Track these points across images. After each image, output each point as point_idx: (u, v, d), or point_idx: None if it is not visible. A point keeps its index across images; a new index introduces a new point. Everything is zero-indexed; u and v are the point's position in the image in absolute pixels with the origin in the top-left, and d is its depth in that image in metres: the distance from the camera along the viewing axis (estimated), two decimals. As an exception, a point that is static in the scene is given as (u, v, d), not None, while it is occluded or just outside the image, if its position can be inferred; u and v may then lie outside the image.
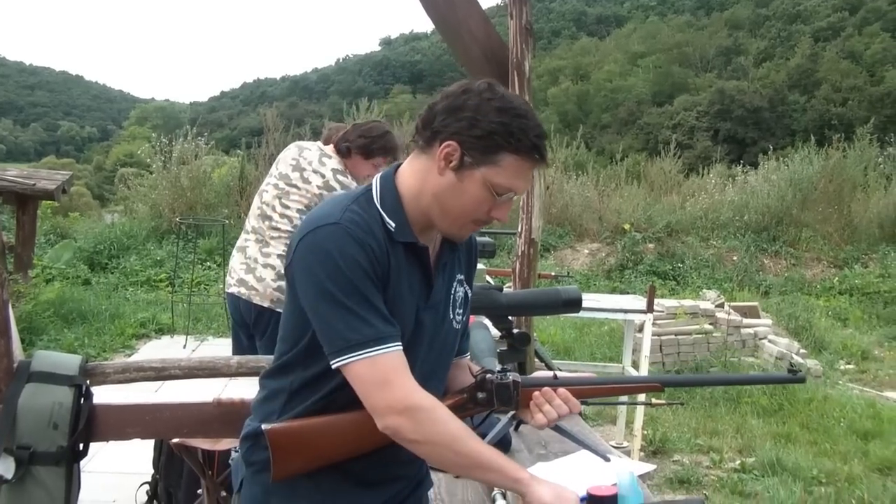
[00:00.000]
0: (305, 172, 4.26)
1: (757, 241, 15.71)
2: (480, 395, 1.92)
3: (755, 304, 11.25)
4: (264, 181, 4.50)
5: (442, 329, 1.96)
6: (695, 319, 9.32)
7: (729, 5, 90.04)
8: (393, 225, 1.83)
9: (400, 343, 1.75)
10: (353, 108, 16.50)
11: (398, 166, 1.94)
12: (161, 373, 3.52)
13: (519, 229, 4.13)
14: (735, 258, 15.16)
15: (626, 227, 15.20)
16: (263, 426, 1.83)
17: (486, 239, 4.34)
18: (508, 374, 1.95)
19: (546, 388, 1.92)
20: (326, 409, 1.87)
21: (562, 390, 1.93)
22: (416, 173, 1.87)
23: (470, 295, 2.09)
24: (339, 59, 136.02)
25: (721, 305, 10.22)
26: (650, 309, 6.46)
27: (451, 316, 2.00)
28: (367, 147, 4.31)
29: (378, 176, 1.93)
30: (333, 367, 1.73)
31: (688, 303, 10.00)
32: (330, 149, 4.35)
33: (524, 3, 4.01)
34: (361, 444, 1.84)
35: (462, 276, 2.05)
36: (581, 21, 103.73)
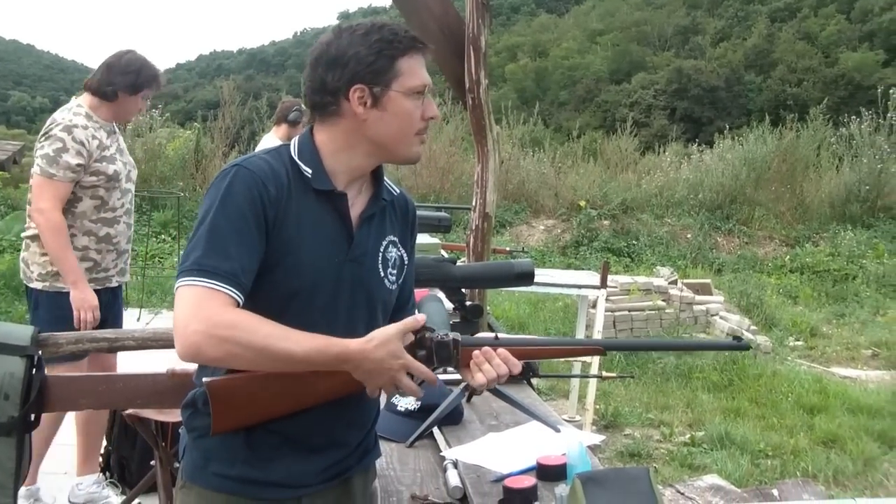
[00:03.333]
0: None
1: (711, 220, 15.86)
2: (420, 352, 1.86)
3: (708, 281, 11.36)
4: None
5: (369, 284, 1.94)
6: (648, 296, 9.41)
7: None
8: (310, 171, 1.87)
9: (237, 293, 1.71)
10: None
11: (311, 129, 1.97)
12: (114, 343, 3.52)
13: (473, 203, 4.15)
14: (689, 236, 15.29)
15: (582, 203, 15.27)
16: (204, 379, 1.82)
17: (442, 214, 4.35)
18: (449, 333, 1.91)
19: (486, 348, 1.90)
20: None
21: (501, 350, 1.90)
22: (334, 135, 1.91)
23: (406, 259, 2.09)
24: (296, 33, 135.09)
25: (674, 282, 10.33)
26: (604, 285, 6.51)
27: (383, 274, 2.00)
28: (133, 83, 4.17)
29: (296, 139, 1.97)
30: (174, 288, 1.72)
31: (641, 279, 10.10)
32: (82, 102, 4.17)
33: (481, -22, 4.03)
34: (301, 399, 1.82)
35: (395, 238, 2.05)
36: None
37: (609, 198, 15.65)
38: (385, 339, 1.74)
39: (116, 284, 4.36)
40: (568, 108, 57.73)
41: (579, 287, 6.77)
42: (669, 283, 10.06)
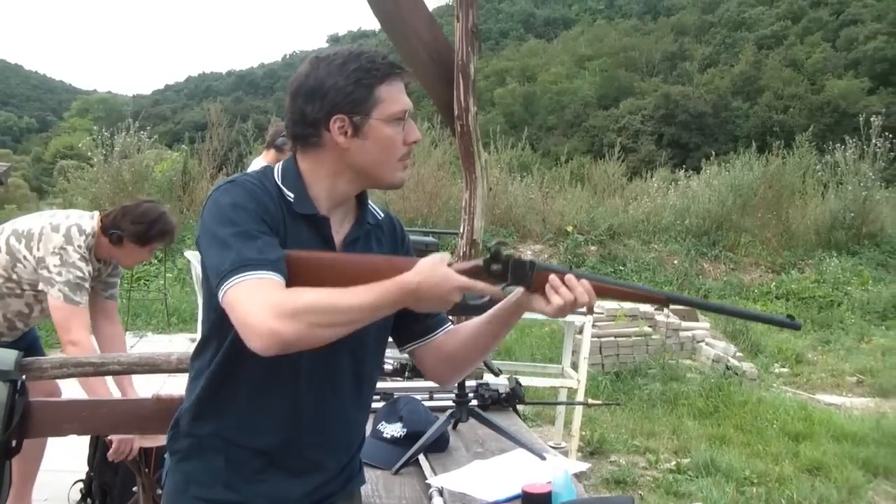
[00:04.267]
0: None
1: (697, 246, 15.91)
2: (495, 266, 1.88)
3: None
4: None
5: None
6: (634, 322, 9.43)
7: (675, 11, 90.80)
8: (292, 196, 1.88)
9: (280, 276, 1.71)
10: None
11: (295, 156, 1.98)
12: (100, 368, 3.51)
13: (461, 230, 4.17)
14: (675, 262, 15.33)
15: (569, 228, 15.30)
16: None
17: (429, 238, 4.35)
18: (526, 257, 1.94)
19: (569, 275, 1.88)
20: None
21: (584, 280, 1.89)
22: (317, 164, 1.91)
23: None
24: (286, 55, 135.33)
25: (660, 308, 10.33)
26: (590, 311, 6.50)
27: None
28: (143, 234, 3.94)
29: (279, 164, 1.97)
30: (220, 301, 1.70)
31: (628, 305, 10.08)
32: (87, 237, 3.91)
33: (471, 6, 4.05)
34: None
35: None
36: (529, 23, 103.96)
37: (596, 223, 15.68)
38: (431, 266, 1.77)
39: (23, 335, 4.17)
40: (556, 133, 57.98)
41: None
42: (656, 310, 10.05)
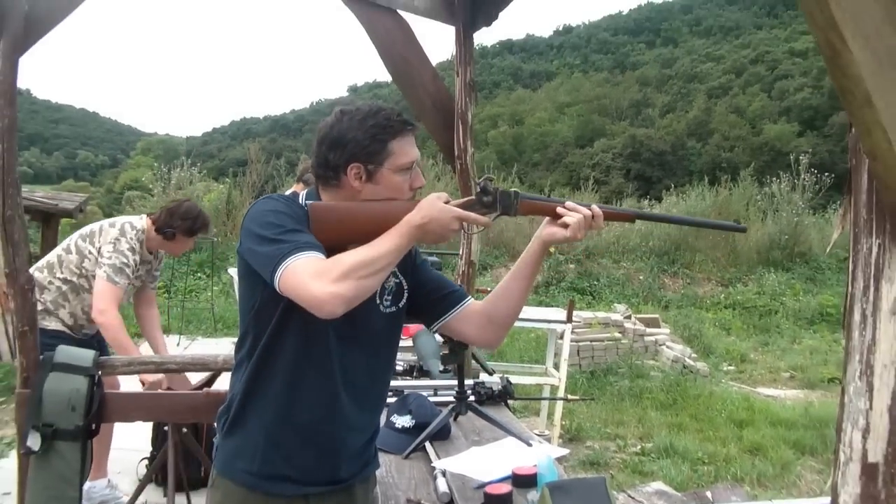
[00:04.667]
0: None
1: (659, 264, 15.92)
2: (486, 198, 1.97)
3: (657, 316, 11.40)
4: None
5: (364, 310, 1.90)
6: (607, 329, 9.43)
7: (640, 66, 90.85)
8: None
9: (322, 254, 1.74)
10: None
11: (317, 189, 2.01)
12: (160, 366, 3.56)
13: (461, 252, 4.20)
14: (641, 277, 15.34)
15: (552, 249, 15.28)
16: (308, 203, 1.91)
17: (433, 258, 4.41)
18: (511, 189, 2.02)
19: (568, 202, 2.01)
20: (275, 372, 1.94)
21: (594, 206, 2.01)
22: (334, 198, 1.95)
23: (406, 286, 2.12)
24: (313, 102, 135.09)
25: (629, 317, 10.35)
26: (569, 320, 6.55)
27: (378, 301, 2.03)
28: (191, 228, 4.19)
29: (303, 193, 2.02)
30: (277, 287, 1.71)
31: (601, 314, 10.12)
32: (138, 231, 4.10)
33: (468, 64, 4.10)
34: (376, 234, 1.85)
35: (395, 268, 2.05)
36: (517, 75, 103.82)
37: (574, 245, 15.67)
38: (430, 203, 1.84)
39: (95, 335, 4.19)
40: (540, 168, 57.82)
41: (549, 322, 6.79)
42: (625, 318, 10.08)
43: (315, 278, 1.65)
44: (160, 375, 3.93)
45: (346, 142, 1.89)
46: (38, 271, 3.92)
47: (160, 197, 14.49)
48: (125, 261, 3.94)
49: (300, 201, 1.94)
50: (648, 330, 10.01)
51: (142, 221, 4.16)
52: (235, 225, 14.53)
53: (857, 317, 1.17)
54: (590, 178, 20.82)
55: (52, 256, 4.04)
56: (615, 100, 73.94)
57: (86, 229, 4.11)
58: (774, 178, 17.93)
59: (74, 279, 3.97)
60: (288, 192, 5.27)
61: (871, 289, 1.14)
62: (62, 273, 3.97)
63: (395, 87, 4.15)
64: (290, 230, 1.76)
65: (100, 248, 3.97)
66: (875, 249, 1.13)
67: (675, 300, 14.39)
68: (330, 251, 1.75)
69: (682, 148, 57.03)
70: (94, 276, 3.93)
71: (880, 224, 1.13)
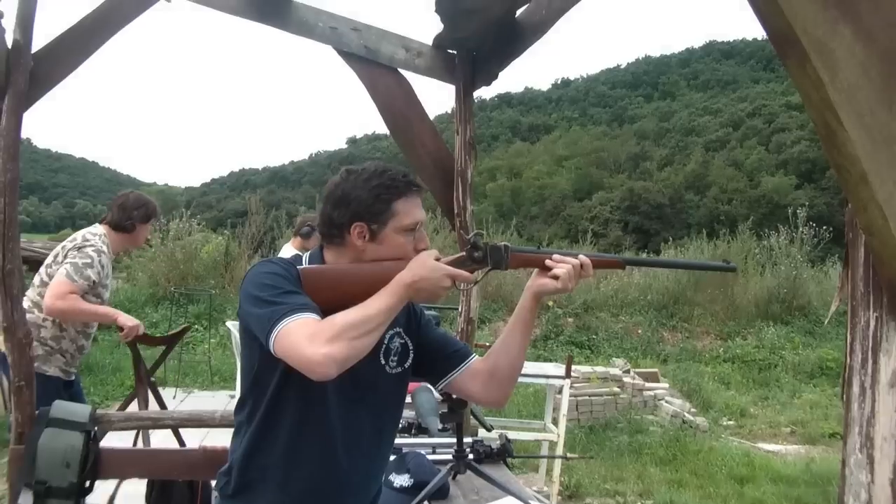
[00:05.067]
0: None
1: (658, 317, 15.87)
2: (476, 253, 2.00)
3: (655, 370, 11.35)
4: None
5: (369, 371, 1.97)
6: (605, 383, 9.39)
7: (637, 119, 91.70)
8: None
9: (317, 315, 1.75)
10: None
11: (322, 246, 2.05)
12: (157, 422, 3.55)
13: (460, 309, 4.21)
14: (640, 331, 15.29)
15: (550, 303, 15.27)
16: (299, 267, 1.93)
17: (433, 313, 4.41)
18: (500, 242, 2.06)
19: (554, 255, 2.03)
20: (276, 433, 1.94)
21: (582, 256, 2.03)
22: (337, 257, 1.98)
23: (411, 346, 2.15)
24: (311, 154, 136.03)
25: (627, 371, 10.31)
26: (568, 375, 6.53)
27: (384, 362, 2.06)
28: (146, 214, 4.34)
29: (307, 254, 2.05)
30: (272, 350, 1.72)
31: (600, 369, 10.07)
32: (98, 237, 4.17)
33: (468, 122, 4.15)
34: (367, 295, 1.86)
35: (400, 329, 2.12)
36: (516, 128, 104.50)
37: (572, 298, 15.63)
38: (421, 262, 1.86)
39: (74, 377, 4.24)
40: (539, 221, 58.00)
41: (547, 377, 6.78)
42: (623, 372, 10.05)
43: (308, 340, 1.67)
44: (136, 324, 4.21)
45: (350, 200, 1.92)
46: (29, 312, 3.86)
47: (158, 248, 14.49)
48: (87, 261, 3.98)
49: (304, 262, 1.97)
50: (647, 384, 9.96)
51: (98, 228, 4.23)
52: (234, 277, 14.52)
53: (855, 389, 1.18)
54: (588, 231, 20.92)
55: (32, 295, 4.03)
56: (613, 153, 74.44)
57: (48, 258, 4.14)
58: (773, 231, 17.93)
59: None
60: (285, 246, 5.38)
61: (870, 361, 1.15)
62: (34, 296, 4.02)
63: (395, 140, 4.19)
64: (286, 292, 1.78)
65: (65, 255, 4.03)
66: (873, 323, 1.15)
67: (673, 354, 14.34)
68: (326, 315, 1.76)
69: (679, 201, 57.34)
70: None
71: (877, 298, 1.14)
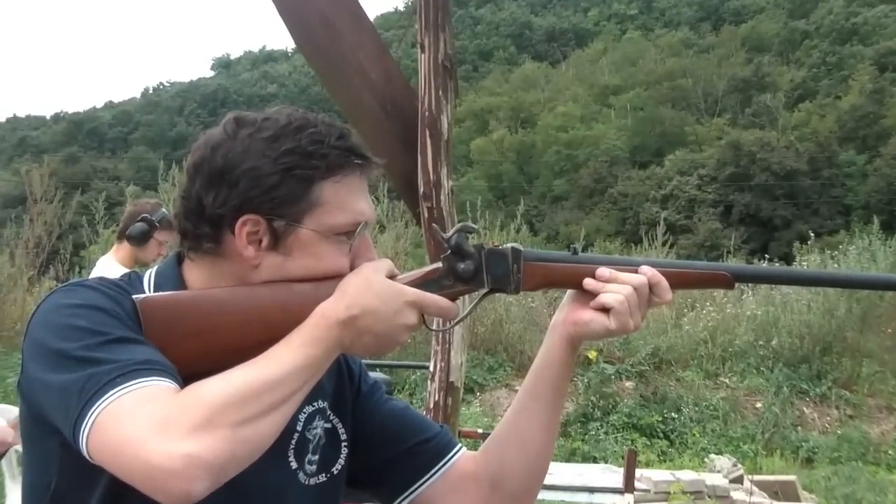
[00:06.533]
0: None
1: (792, 380, 15.88)
2: (462, 264, 1.91)
3: (792, 478, 11.38)
4: None
5: (270, 484, 1.90)
6: (698, 502, 9.42)
7: (748, 15, 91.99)
8: None
9: (176, 384, 1.63)
10: (173, 166, 16.09)
11: (179, 256, 1.96)
12: None
13: (431, 368, 4.17)
14: (759, 405, 15.34)
15: (592, 355, 15.27)
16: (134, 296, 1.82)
17: (380, 375, 4.38)
18: (507, 244, 1.96)
19: (601, 268, 1.95)
20: None
21: (645, 268, 1.96)
22: (208, 278, 1.90)
23: (345, 436, 2.08)
24: (147, 89, 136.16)
25: (739, 480, 10.34)
26: (630, 487, 6.55)
27: (295, 465, 1.98)
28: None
29: (152, 270, 1.98)
30: (84, 451, 1.57)
31: (687, 476, 10.09)
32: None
33: (442, 29, 4.07)
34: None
35: (324, 404, 2.05)
36: (524, 37, 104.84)
37: (632, 346, 15.68)
38: (362, 283, 1.78)
39: None
40: (567, 206, 58.30)
41: (591, 490, 6.79)
42: (732, 482, 10.07)
43: (156, 430, 1.52)
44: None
45: (237, 175, 1.79)
46: None
47: None
48: None
49: (146, 286, 1.91)
50: (778, 504, 9.99)
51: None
52: (2, 318, 14.44)
53: None
54: (659, 223, 20.94)
55: None
56: (703, 79, 74.83)
57: None
58: None
59: None
60: (104, 258, 5.84)
61: None
62: None
63: (301, 59, 4.16)
64: (111, 340, 1.66)
65: None
66: None
67: (825, 448, 14.35)
68: (188, 382, 1.68)
69: (829, 164, 57.69)
70: None
71: None
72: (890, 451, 14.35)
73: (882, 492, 11.79)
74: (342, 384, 2.12)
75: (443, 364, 4.13)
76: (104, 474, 1.64)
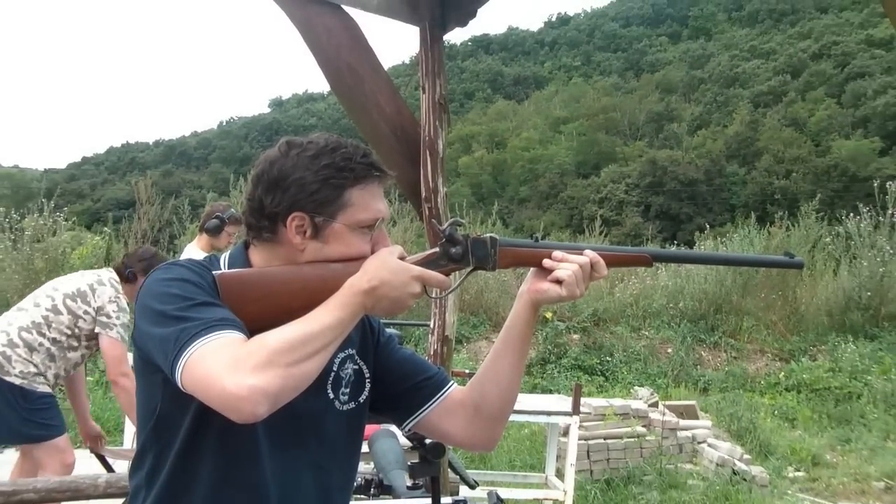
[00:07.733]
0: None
1: (694, 331, 15.94)
2: (454, 249, 2.02)
3: (693, 402, 11.38)
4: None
5: (313, 409, 1.97)
6: (626, 421, 9.40)
7: (660, 66, 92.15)
8: None
9: (244, 334, 1.71)
10: (240, 178, 16.21)
11: (245, 243, 2.05)
12: (11, 498, 3.44)
13: (431, 325, 4.17)
14: (670, 350, 15.35)
15: (548, 315, 15.27)
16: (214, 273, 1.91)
17: (393, 331, 4.37)
18: (486, 234, 2.07)
19: (556, 252, 2.05)
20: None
21: (588, 251, 2.06)
22: (269, 260, 1.98)
23: (368, 374, 2.16)
24: (221, 122, 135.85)
25: (655, 405, 10.32)
26: (576, 411, 6.53)
27: (332, 395, 2.05)
28: (148, 267, 5.12)
29: (226, 253, 2.06)
30: (179, 383, 1.66)
31: (618, 402, 10.08)
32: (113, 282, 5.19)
33: (438, 76, 4.09)
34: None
35: (353, 351, 2.12)
36: (497, 82, 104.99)
37: (578, 308, 15.68)
38: (380, 262, 1.87)
39: None
40: (529, 206, 58.38)
41: (548, 413, 6.78)
42: (649, 406, 10.06)
43: (229, 368, 1.60)
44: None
45: (288, 184, 1.90)
46: (26, 332, 4.93)
47: (8, 255, 13.53)
48: (127, 319, 5.10)
49: (222, 265, 1.94)
50: (682, 422, 9.98)
51: (112, 273, 5.29)
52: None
53: None
54: (596, 218, 20.92)
55: (35, 315, 5.02)
56: (628, 113, 74.92)
57: (70, 287, 5.14)
58: (850, 214, 17.57)
59: (64, 339, 5.03)
60: (189, 246, 6.08)
61: None
62: (51, 333, 5.00)
63: (334, 99, 4.14)
64: (198, 304, 1.74)
65: (99, 307, 5.09)
66: None
67: (716, 380, 14.38)
68: (253, 334, 1.72)
69: (719, 175, 57.82)
70: (86, 336, 5.07)
71: None
72: (762, 381, 14.46)
73: (756, 411, 11.87)
74: (366, 336, 2.18)
75: (440, 322, 4.15)
76: (194, 401, 1.75)
